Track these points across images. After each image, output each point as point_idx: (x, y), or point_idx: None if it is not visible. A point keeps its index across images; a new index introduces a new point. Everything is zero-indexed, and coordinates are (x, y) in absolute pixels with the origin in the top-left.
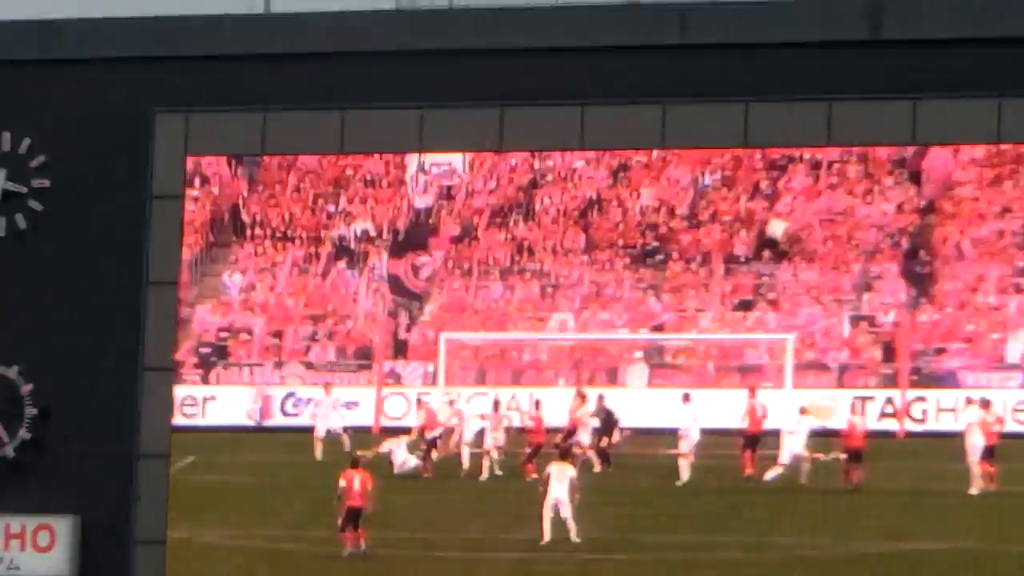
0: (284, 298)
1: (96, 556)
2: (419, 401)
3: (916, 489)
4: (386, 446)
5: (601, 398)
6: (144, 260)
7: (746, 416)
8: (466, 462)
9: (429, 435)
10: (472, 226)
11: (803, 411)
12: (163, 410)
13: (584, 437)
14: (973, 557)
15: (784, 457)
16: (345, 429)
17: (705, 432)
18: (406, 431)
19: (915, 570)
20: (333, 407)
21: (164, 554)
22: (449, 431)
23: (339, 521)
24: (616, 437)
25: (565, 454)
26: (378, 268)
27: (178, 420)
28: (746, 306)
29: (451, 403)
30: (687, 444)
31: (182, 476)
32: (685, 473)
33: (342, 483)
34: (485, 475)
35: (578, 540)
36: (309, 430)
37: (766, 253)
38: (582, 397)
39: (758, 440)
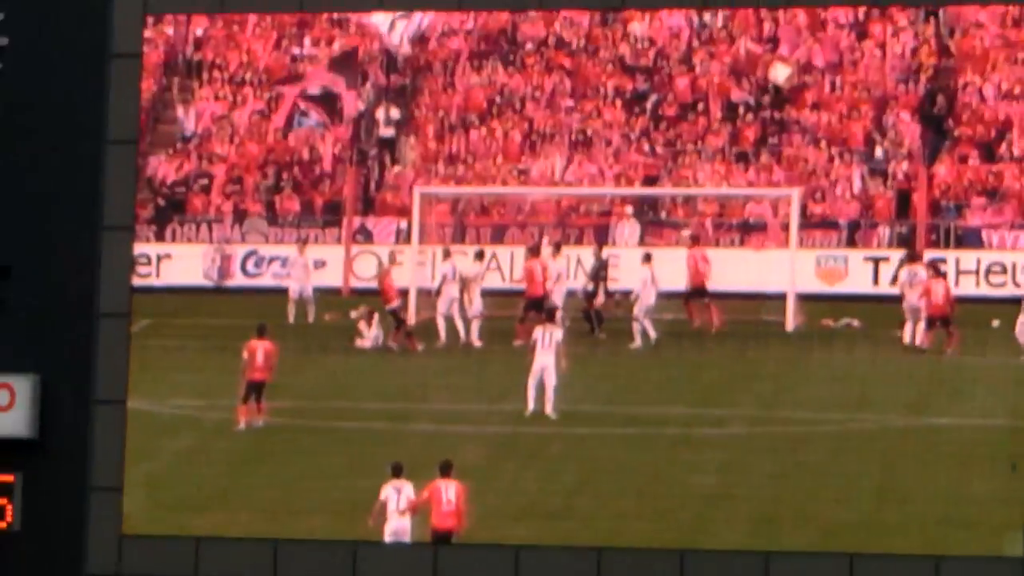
0: (244, 147)
1: (56, 416)
2: (382, 271)
3: (935, 361)
4: (356, 315)
5: (598, 251)
6: (104, 119)
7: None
8: (443, 330)
9: (388, 308)
10: (448, 70)
11: None
12: (123, 269)
13: (558, 298)
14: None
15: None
16: (315, 292)
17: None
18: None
19: (936, 447)
20: (306, 267)
21: (124, 414)
22: (406, 299)
23: (241, 393)
24: (602, 297)
25: (551, 315)
26: (347, 115)
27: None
28: (747, 158)
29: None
30: (640, 308)
31: (139, 341)
32: (637, 338)
33: (245, 354)
34: (469, 342)
35: (554, 416)
36: (272, 291)
37: (768, 99)
38: (538, 252)
39: (703, 293)
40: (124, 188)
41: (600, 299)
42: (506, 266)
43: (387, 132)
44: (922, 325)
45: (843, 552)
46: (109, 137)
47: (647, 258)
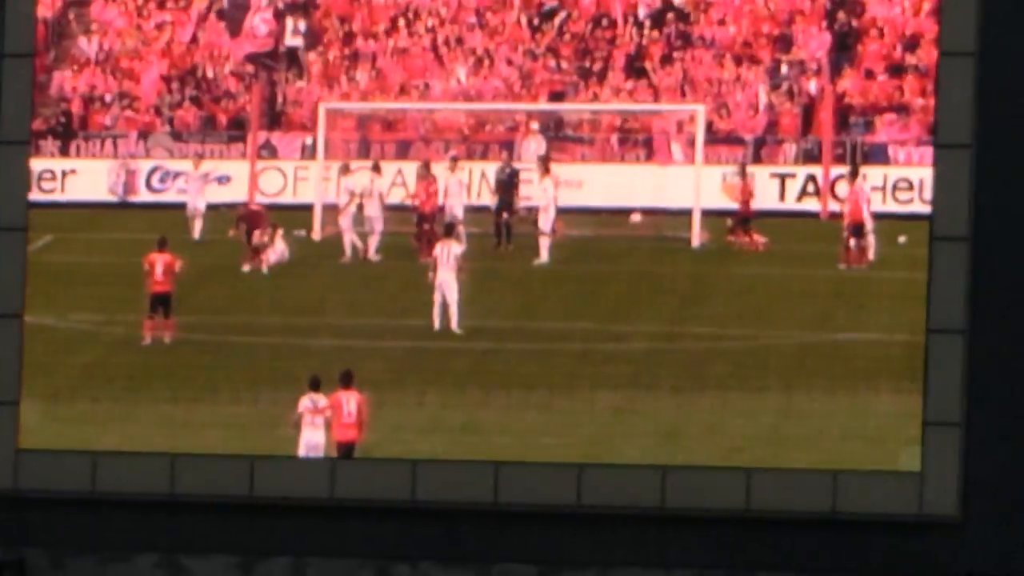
0: (149, 62)
1: None
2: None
3: (838, 275)
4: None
5: (507, 163)
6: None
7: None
8: (348, 247)
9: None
10: None
11: None
12: (20, 184)
13: (459, 211)
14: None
15: None
16: (212, 207)
17: (608, 211)
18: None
19: (838, 362)
20: (204, 181)
21: (22, 328)
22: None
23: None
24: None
25: (450, 231)
26: (251, 29)
27: (36, 196)
28: (652, 73)
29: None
30: (545, 221)
31: (39, 256)
32: (543, 253)
33: (145, 266)
34: (369, 257)
35: (460, 331)
36: (177, 207)
37: (674, 15)
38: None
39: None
40: (21, 102)
41: (507, 213)
42: (411, 181)
43: (293, 44)
44: (871, 239)
45: (740, 467)
46: (6, 50)
47: (546, 171)
